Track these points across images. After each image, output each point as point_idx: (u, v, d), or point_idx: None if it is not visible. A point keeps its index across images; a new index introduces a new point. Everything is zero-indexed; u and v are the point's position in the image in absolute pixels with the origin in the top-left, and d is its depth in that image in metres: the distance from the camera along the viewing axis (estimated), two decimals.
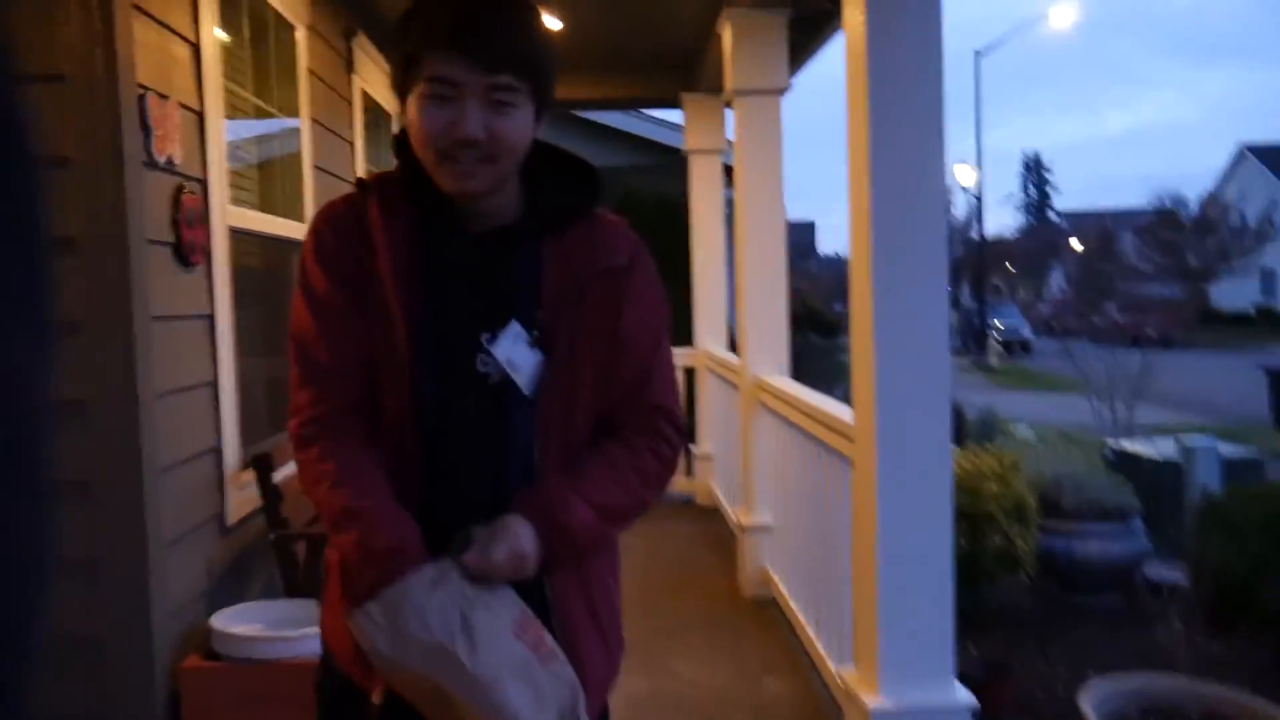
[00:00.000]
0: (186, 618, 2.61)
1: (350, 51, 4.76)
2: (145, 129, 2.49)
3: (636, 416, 1.46)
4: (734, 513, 4.88)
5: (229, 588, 2.91)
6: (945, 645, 2.62)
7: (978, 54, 28.25)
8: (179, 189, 2.68)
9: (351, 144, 4.74)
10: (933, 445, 2.59)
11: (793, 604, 3.96)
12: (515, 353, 1.36)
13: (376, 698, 1.31)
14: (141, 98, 2.47)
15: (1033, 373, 21.17)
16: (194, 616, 2.65)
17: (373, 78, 5.16)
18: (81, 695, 2.41)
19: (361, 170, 4.83)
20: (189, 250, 2.70)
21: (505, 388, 1.36)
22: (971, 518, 4.59)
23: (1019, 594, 5.11)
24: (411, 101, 1.33)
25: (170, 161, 2.62)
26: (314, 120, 4.05)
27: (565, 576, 1.39)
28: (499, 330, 1.37)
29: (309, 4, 3.98)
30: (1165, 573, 5.39)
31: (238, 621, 2.61)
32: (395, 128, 5.92)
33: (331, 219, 1.42)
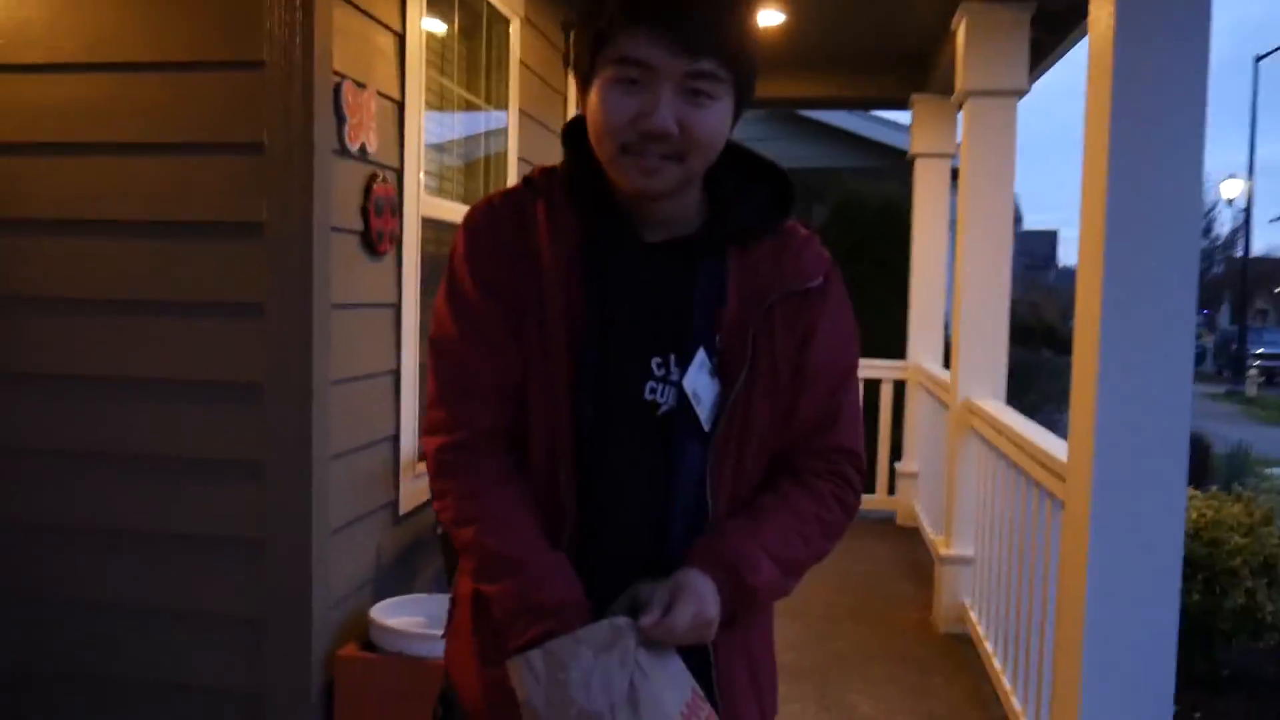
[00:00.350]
0: (349, 605, 2.62)
1: (567, 44, 4.75)
2: (339, 116, 2.50)
3: (819, 458, 1.29)
4: (934, 539, 4.55)
5: (397, 577, 2.92)
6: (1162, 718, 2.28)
7: (1257, 59, 25.83)
8: (371, 177, 2.69)
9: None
10: (1160, 493, 2.24)
11: (988, 645, 3.63)
12: (699, 383, 1.21)
13: None
14: (337, 86, 2.49)
15: None
16: (357, 604, 2.66)
17: None
18: (240, 672, 2.46)
19: None
20: (377, 239, 2.71)
21: (676, 419, 1.21)
22: (1209, 571, 4.09)
23: (1261, 660, 4.52)
24: (595, 87, 1.18)
25: (363, 150, 2.63)
26: (523, 112, 4.05)
27: (729, 636, 1.23)
28: (672, 354, 1.22)
29: None
30: None
31: (398, 614, 2.60)
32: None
33: (490, 217, 1.28)
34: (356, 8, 2.62)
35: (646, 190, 1.19)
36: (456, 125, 3.55)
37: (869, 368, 6.16)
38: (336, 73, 2.49)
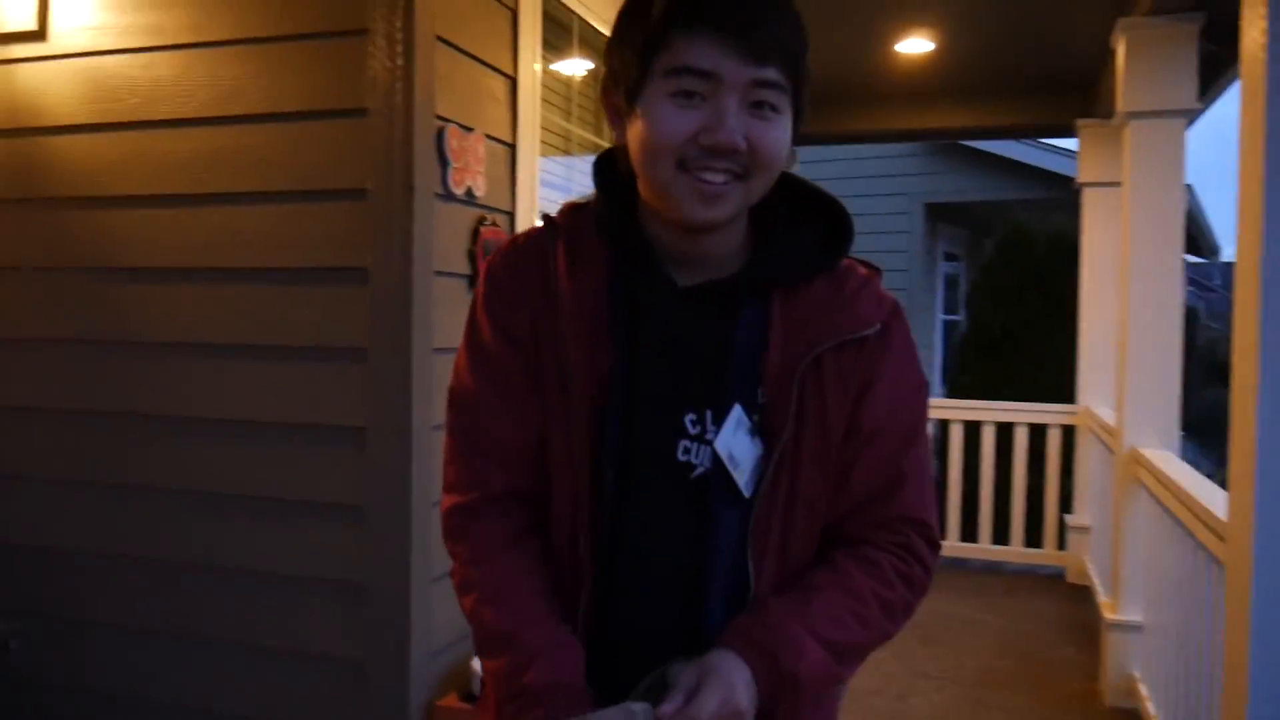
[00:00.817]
0: (451, 655, 2.58)
1: None
2: (442, 160, 2.50)
3: (881, 529, 1.13)
4: (1103, 602, 4.17)
5: None
6: None
7: None
8: (479, 220, 2.68)
9: None
10: None
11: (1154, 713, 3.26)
12: (736, 444, 1.08)
13: None
14: (441, 131, 2.49)
15: None
16: (459, 655, 2.61)
17: None
18: (343, 714, 2.44)
19: None
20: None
21: (712, 483, 1.08)
22: None
23: None
24: (643, 102, 1.06)
25: (470, 193, 2.62)
26: None
27: None
28: (708, 410, 1.09)
29: None
30: None
31: None
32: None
33: (509, 260, 1.19)
34: (463, 52, 2.62)
35: (706, 219, 1.07)
36: (579, 168, 3.53)
37: (1034, 413, 5.78)
38: (440, 117, 2.50)
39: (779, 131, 1.06)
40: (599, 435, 1.08)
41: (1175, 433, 3.80)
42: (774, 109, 1.05)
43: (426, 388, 2.43)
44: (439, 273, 2.50)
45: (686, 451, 1.09)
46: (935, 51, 4.94)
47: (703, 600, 1.08)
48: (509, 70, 2.85)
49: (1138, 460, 3.69)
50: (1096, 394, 5.64)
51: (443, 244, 2.52)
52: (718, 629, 1.07)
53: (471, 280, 2.66)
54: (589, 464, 1.08)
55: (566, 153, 3.41)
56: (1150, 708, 3.40)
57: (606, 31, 3.50)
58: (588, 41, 3.48)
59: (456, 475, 1.17)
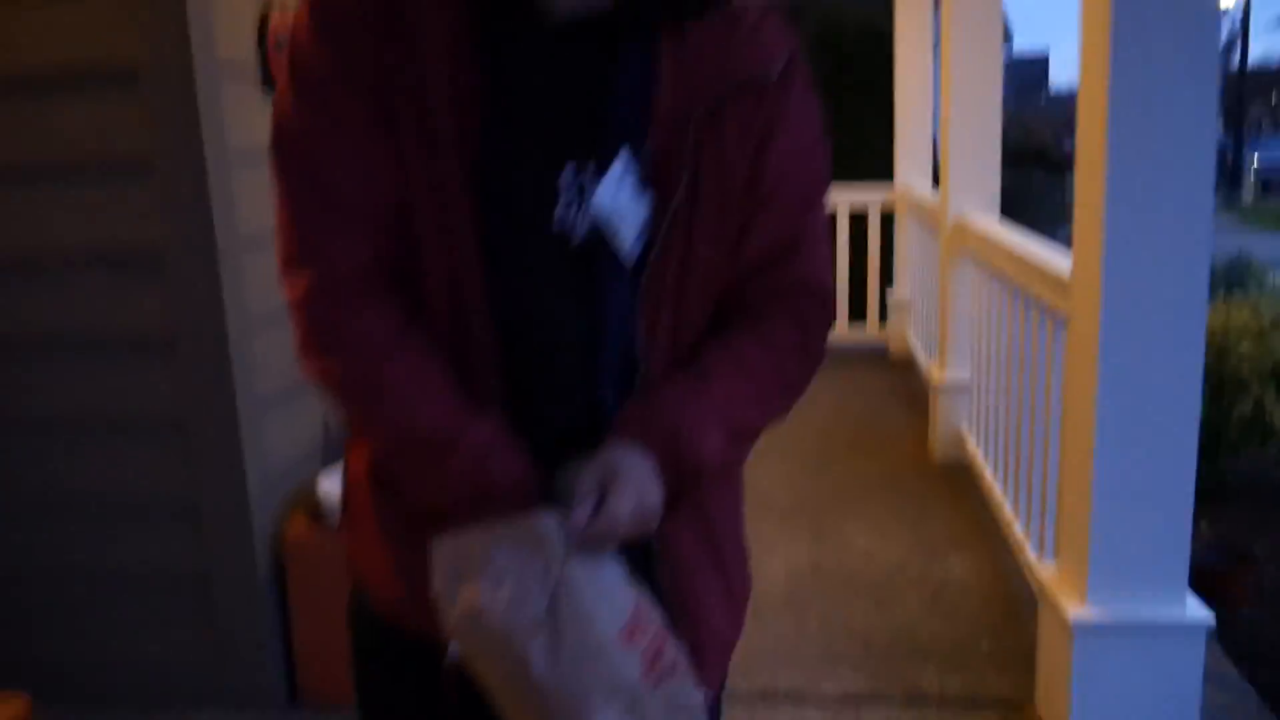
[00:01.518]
0: (297, 475, 2.42)
1: None
2: None
3: (776, 299, 1.01)
4: (929, 367, 4.35)
5: None
6: (1179, 549, 2.10)
7: None
8: (266, 6, 2.35)
9: None
10: (1177, 304, 2.01)
11: (987, 473, 3.47)
12: (620, 200, 0.93)
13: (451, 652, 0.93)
14: None
15: None
16: (305, 472, 2.46)
17: None
18: (184, 555, 2.28)
19: None
20: (274, 76, 2.38)
21: (595, 251, 0.93)
22: (1216, 381, 3.91)
23: (1267, 468, 4.40)
24: None
25: None
26: None
27: (678, 510, 0.98)
28: (590, 163, 0.92)
29: None
30: None
31: None
32: None
33: None
34: None
35: None
36: None
37: (856, 191, 5.85)
38: None
39: None
40: (476, 198, 0.90)
41: (997, 204, 3.90)
42: None
43: (227, 198, 2.15)
44: (224, 64, 2.18)
45: (566, 213, 0.93)
46: None
47: (597, 388, 0.96)
48: None
49: (963, 229, 3.77)
50: (914, 174, 5.75)
51: (226, 32, 2.20)
52: (611, 418, 0.95)
53: (265, 75, 2.35)
54: (472, 236, 0.90)
55: None
56: (980, 458, 3.61)
57: None
58: None
59: (301, 245, 0.93)
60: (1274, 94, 39.06)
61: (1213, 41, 1.95)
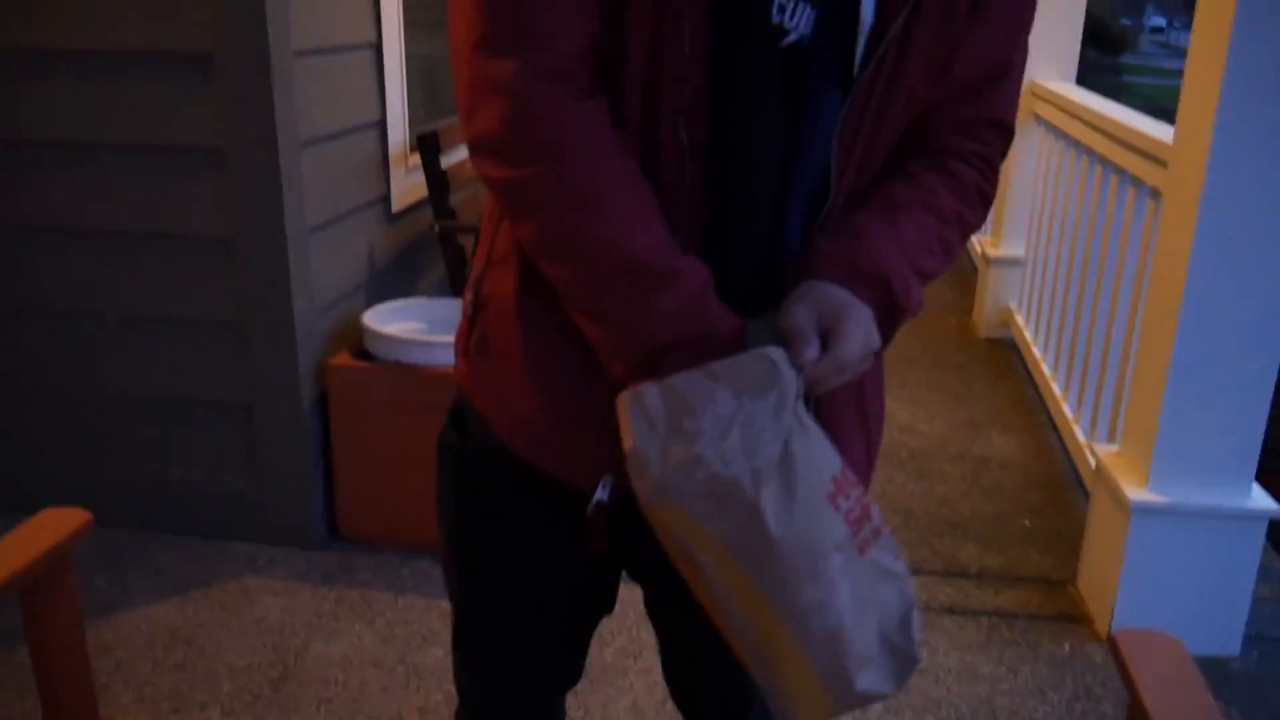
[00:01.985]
0: (339, 311, 2.35)
1: None
2: None
3: (967, 135, 0.91)
4: (980, 240, 4.22)
5: (394, 281, 2.63)
6: (1251, 442, 2.04)
7: None
8: None
9: None
10: (1277, 192, 1.88)
11: (1036, 351, 3.39)
12: None
13: (599, 496, 0.85)
14: None
15: None
16: (349, 310, 2.39)
17: None
18: (229, 382, 2.22)
19: None
20: None
21: (811, 54, 0.81)
22: None
23: None
24: None
25: None
26: None
27: None
28: None
29: None
30: None
31: (395, 319, 2.33)
32: None
33: None
34: None
35: None
36: None
37: None
38: None
39: None
40: None
41: (1074, 66, 3.69)
42: None
43: (287, 4, 2.01)
44: None
45: (782, 10, 0.80)
46: None
47: (784, 214, 0.85)
48: None
49: (1035, 91, 3.58)
50: None
51: None
52: (796, 244, 0.86)
53: None
54: (701, 26, 0.77)
55: None
56: (1027, 335, 3.52)
57: None
58: None
59: (506, 19, 0.78)
60: None
61: None
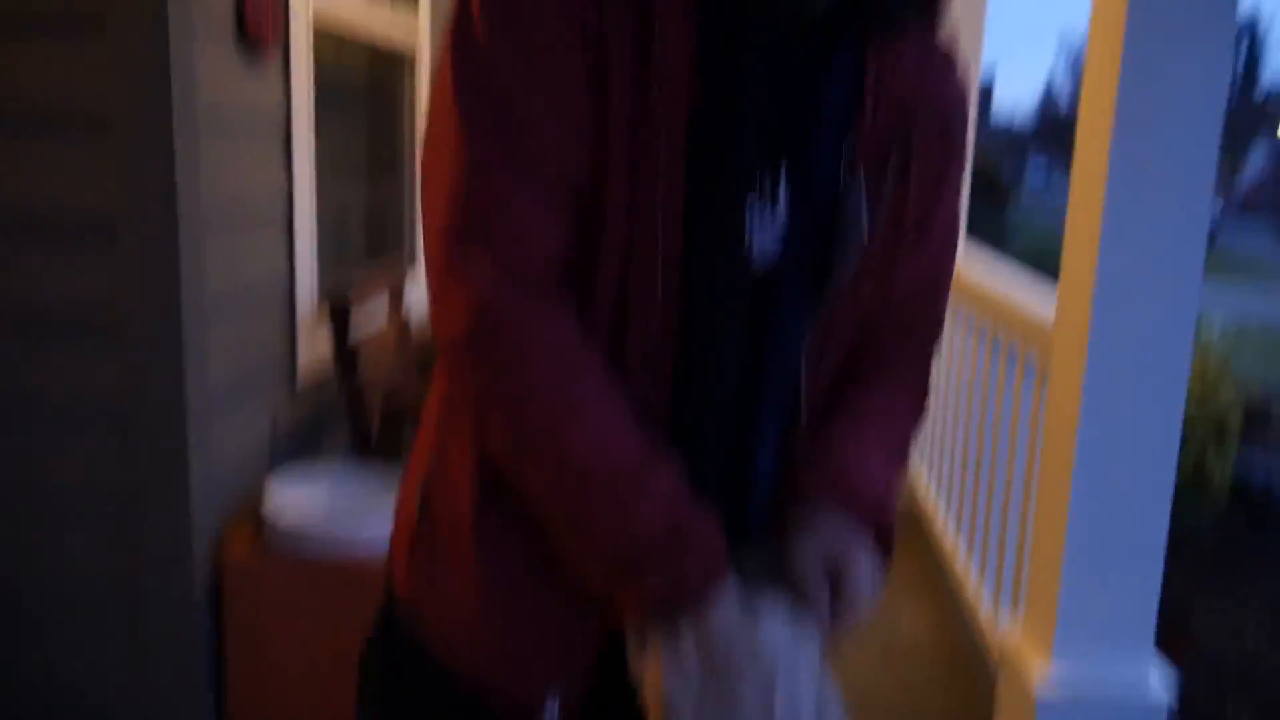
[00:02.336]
0: (240, 483, 2.26)
1: None
2: None
3: (914, 340, 0.98)
4: None
5: (300, 448, 2.56)
6: (1148, 613, 2.08)
7: None
8: None
9: None
10: (1164, 354, 1.98)
11: (939, 522, 3.43)
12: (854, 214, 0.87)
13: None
14: None
15: (1224, 254, 19.25)
16: (252, 482, 2.30)
17: None
18: (115, 566, 2.10)
19: None
20: (255, 32, 2.22)
21: (784, 275, 0.84)
22: None
23: (1203, 520, 4.47)
24: None
25: None
26: None
27: None
28: (780, 182, 0.84)
29: None
30: None
31: (302, 493, 2.21)
32: None
33: None
34: None
35: None
36: None
37: None
38: None
39: None
40: (690, 207, 0.79)
41: (959, 239, 3.87)
42: None
43: (197, 161, 2.00)
44: (199, 25, 2.03)
45: (752, 235, 0.83)
46: None
47: (755, 430, 0.87)
48: None
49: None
50: None
51: None
52: (768, 462, 0.88)
53: (240, 33, 2.19)
54: (677, 243, 0.79)
55: None
56: (929, 505, 3.57)
57: None
58: None
59: (482, 213, 0.78)
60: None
61: (1219, 103, 1.92)
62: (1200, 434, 4.10)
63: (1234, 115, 40.84)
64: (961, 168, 0.94)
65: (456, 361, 0.81)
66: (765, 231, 0.83)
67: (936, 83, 0.91)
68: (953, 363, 3.40)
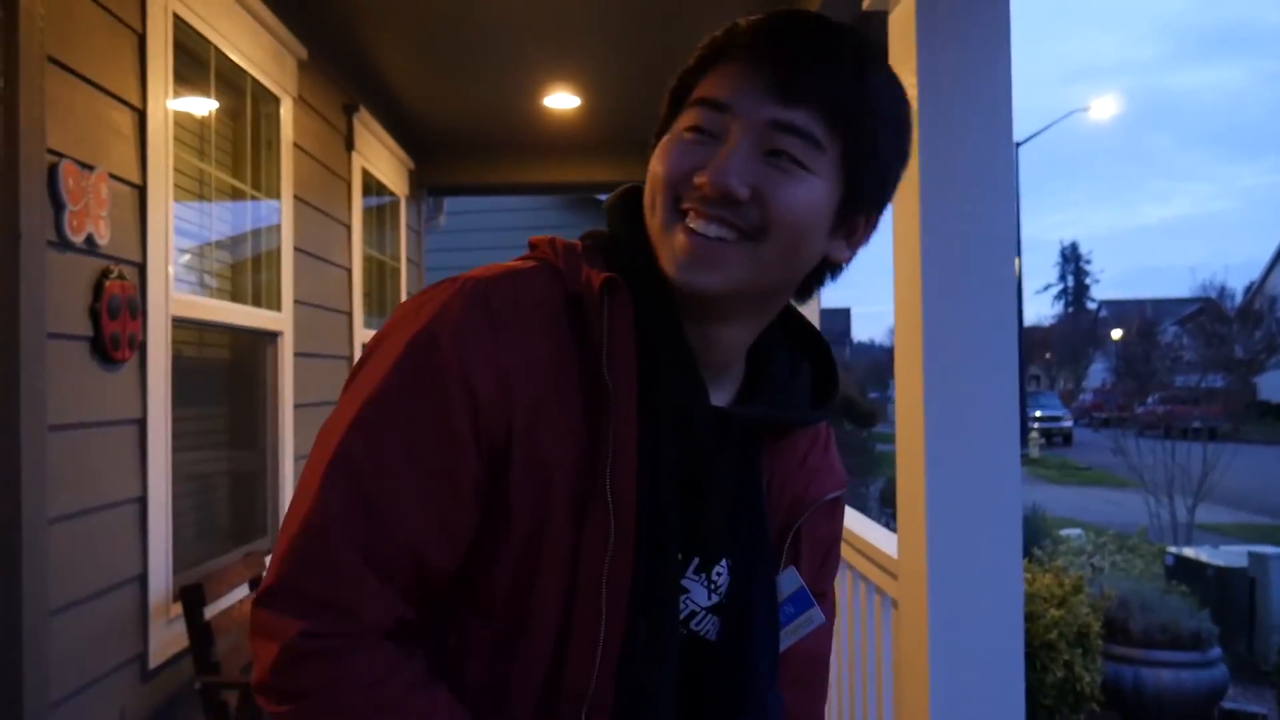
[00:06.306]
0: (70, 708, 2.14)
1: (351, 127, 4.45)
2: (57, 203, 2.11)
3: (814, 668, 1.09)
4: None
5: None
6: None
7: (1017, 145, 28.22)
8: (104, 273, 2.30)
9: (348, 226, 4.40)
10: (999, 584, 2.11)
11: None
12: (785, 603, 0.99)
13: None
14: (54, 167, 2.10)
15: (1076, 465, 20.33)
16: (81, 706, 2.18)
17: (377, 157, 4.85)
18: None
19: (359, 256, 4.46)
20: (112, 344, 2.30)
21: (723, 652, 0.93)
22: (1029, 647, 4.07)
23: None
24: (659, 143, 0.90)
25: (91, 241, 2.24)
26: (298, 199, 3.71)
27: None
28: (719, 564, 0.93)
29: (297, 75, 3.67)
30: (1254, 706, 4.80)
31: None
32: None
33: (518, 309, 0.85)
34: (81, 77, 2.25)
35: (693, 282, 0.84)
36: (219, 214, 3.17)
37: None
38: (53, 151, 2.11)
39: (802, 190, 0.84)
40: (635, 591, 0.85)
41: None
42: (797, 162, 0.84)
43: (38, 475, 2.01)
44: (53, 335, 2.09)
45: (689, 615, 0.92)
46: (580, 108, 5.03)
47: None
48: (136, 102, 2.48)
49: None
50: None
51: (60, 300, 2.13)
52: None
53: (95, 342, 2.26)
54: (618, 635, 0.84)
55: (203, 197, 3.05)
56: None
57: (246, 65, 3.21)
58: (225, 76, 3.15)
59: (321, 591, 0.80)
60: (1045, 353, 43.10)
61: (1011, 348, 2.15)
62: (1066, 645, 4.23)
63: (1073, 334, 44.25)
64: (839, 551, 1.08)
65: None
66: (705, 614, 0.93)
67: (826, 472, 1.02)
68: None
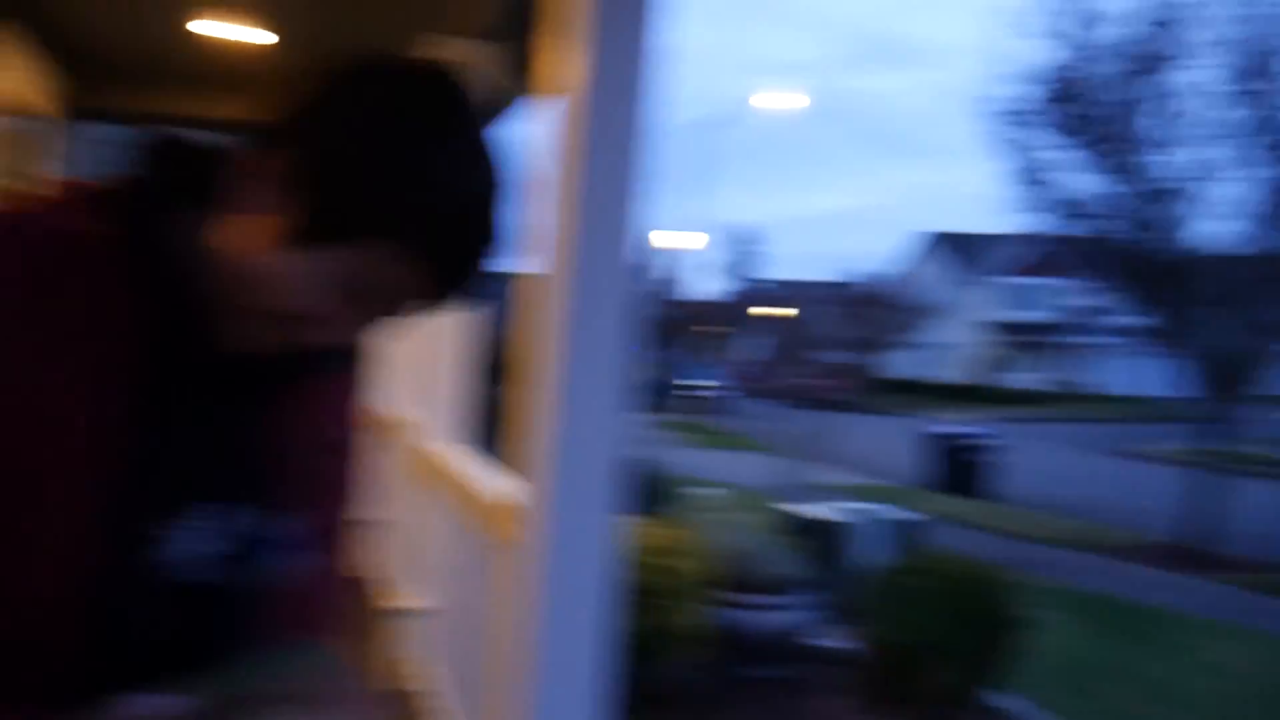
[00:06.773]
0: None
1: None
2: None
3: (317, 631, 1.08)
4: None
5: None
6: None
7: (690, 127, 29.72)
8: None
9: None
10: (593, 530, 2.21)
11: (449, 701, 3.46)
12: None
13: None
14: None
15: (722, 431, 21.77)
16: None
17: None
18: None
19: None
20: None
21: (218, 604, 0.92)
22: (644, 594, 4.34)
23: (692, 671, 4.92)
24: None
25: None
26: None
27: None
28: (207, 513, 0.91)
29: None
30: (838, 642, 5.43)
31: None
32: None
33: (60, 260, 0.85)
34: None
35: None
36: None
37: None
38: None
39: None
40: (94, 524, 0.85)
41: (453, 421, 4.11)
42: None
43: None
44: None
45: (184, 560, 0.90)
46: (276, 44, 4.63)
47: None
48: None
49: (416, 451, 3.89)
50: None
51: None
52: None
53: None
54: (76, 559, 0.84)
55: None
56: (434, 686, 3.60)
57: None
58: None
59: None
60: (705, 325, 45.68)
61: (623, 316, 2.22)
62: (678, 595, 4.54)
63: (734, 310, 47.27)
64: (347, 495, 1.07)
65: None
66: (190, 549, 0.90)
67: (335, 413, 1.03)
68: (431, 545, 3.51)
